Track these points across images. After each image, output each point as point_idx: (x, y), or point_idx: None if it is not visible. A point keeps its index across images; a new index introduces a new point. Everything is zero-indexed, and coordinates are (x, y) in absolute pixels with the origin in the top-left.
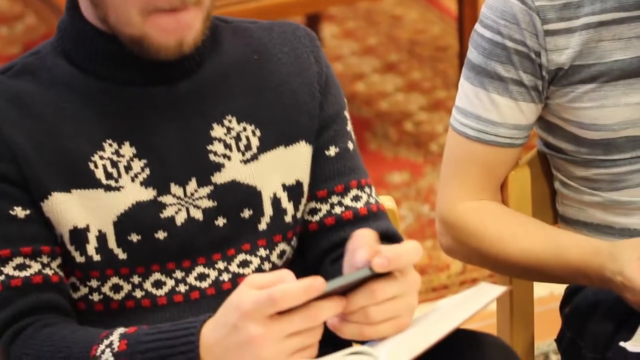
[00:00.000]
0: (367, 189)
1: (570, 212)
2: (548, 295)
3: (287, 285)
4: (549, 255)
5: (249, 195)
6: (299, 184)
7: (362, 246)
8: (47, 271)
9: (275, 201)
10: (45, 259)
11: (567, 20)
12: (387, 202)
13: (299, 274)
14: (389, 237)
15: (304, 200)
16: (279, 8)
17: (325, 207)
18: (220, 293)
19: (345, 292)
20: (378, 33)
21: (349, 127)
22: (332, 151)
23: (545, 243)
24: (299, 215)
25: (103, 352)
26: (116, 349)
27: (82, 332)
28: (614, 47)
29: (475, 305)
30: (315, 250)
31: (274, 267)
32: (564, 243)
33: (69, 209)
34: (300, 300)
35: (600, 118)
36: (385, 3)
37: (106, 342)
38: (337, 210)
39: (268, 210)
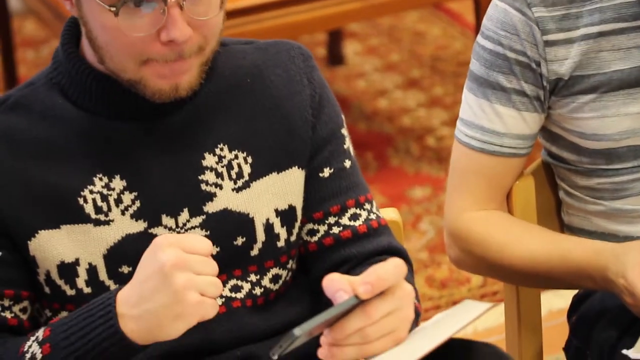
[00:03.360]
0: (366, 206)
1: (575, 221)
2: (557, 309)
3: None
4: (554, 258)
5: (242, 222)
6: (291, 209)
7: (339, 288)
8: (6, 314)
9: (268, 227)
10: (6, 302)
11: (567, 31)
12: (391, 213)
13: (305, 294)
14: (391, 252)
15: (297, 224)
16: (301, 25)
17: (322, 228)
18: (215, 317)
19: (332, 323)
20: (400, 49)
21: (347, 145)
22: (327, 172)
23: (549, 246)
24: (292, 238)
25: (30, 346)
26: (40, 338)
27: (16, 339)
28: (613, 57)
29: (461, 321)
30: (317, 270)
31: (267, 291)
32: (568, 245)
33: (57, 244)
34: (205, 249)
35: (601, 128)
36: (408, 19)
37: (32, 337)
38: (335, 230)
39: (260, 236)
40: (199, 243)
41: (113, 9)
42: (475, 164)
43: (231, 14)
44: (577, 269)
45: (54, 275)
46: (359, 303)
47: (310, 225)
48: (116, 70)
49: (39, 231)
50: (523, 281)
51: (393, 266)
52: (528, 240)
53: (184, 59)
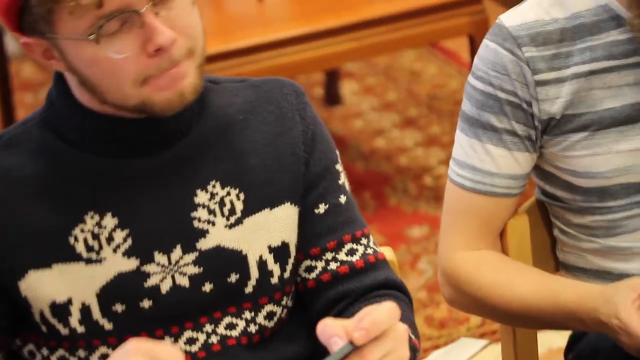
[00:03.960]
0: (363, 240)
1: (570, 258)
2: (556, 347)
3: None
4: (544, 301)
5: (235, 259)
6: (284, 245)
7: (334, 334)
8: None
9: (261, 264)
10: None
11: (557, 70)
12: (387, 253)
13: (303, 331)
14: (389, 286)
15: (291, 261)
16: (298, 65)
17: (320, 264)
18: (210, 355)
19: None
20: (397, 88)
21: (342, 181)
22: (322, 208)
23: (539, 288)
24: (286, 275)
25: None
26: None
27: None
28: (604, 95)
29: (457, 358)
30: (316, 307)
31: (262, 328)
32: (558, 288)
33: (48, 284)
34: None
35: (593, 166)
36: (404, 58)
37: None
38: (333, 266)
39: (254, 273)
40: (172, 357)
41: (92, 37)
42: (468, 204)
43: (228, 55)
44: (567, 312)
45: (47, 314)
46: (354, 349)
47: (307, 262)
48: (119, 102)
49: (29, 271)
50: (515, 322)
51: (387, 309)
52: (518, 282)
53: (178, 64)
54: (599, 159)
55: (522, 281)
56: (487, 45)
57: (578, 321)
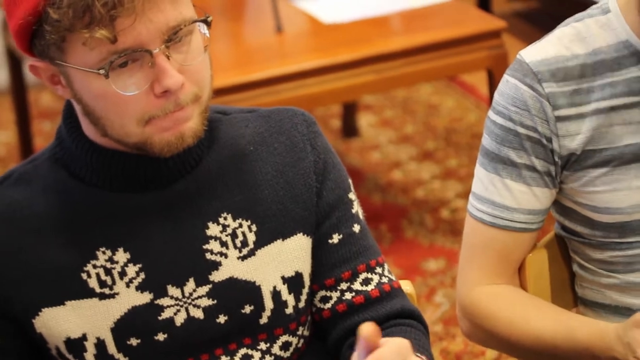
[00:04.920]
0: (378, 269)
1: (588, 294)
2: None
3: None
4: (560, 338)
5: (249, 290)
6: (298, 275)
7: None
8: None
9: (276, 294)
10: None
11: (578, 105)
12: (405, 286)
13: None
14: (405, 315)
15: (305, 291)
16: (316, 97)
17: (335, 295)
18: None
19: None
20: (415, 121)
21: (355, 209)
22: (336, 238)
23: (556, 325)
24: (301, 305)
25: None
26: None
27: None
28: (625, 131)
29: None
30: (332, 336)
31: (277, 359)
32: (574, 325)
33: (62, 321)
34: None
35: (613, 202)
36: (422, 91)
37: None
38: (348, 296)
39: (269, 304)
40: None
41: (102, 71)
42: (486, 238)
43: (246, 86)
44: (583, 349)
45: (63, 350)
46: None
47: (322, 293)
48: (120, 138)
49: (43, 309)
50: (530, 357)
51: (397, 347)
52: (534, 318)
53: (182, 107)
54: (619, 194)
55: (538, 317)
56: (508, 81)
57: (593, 358)
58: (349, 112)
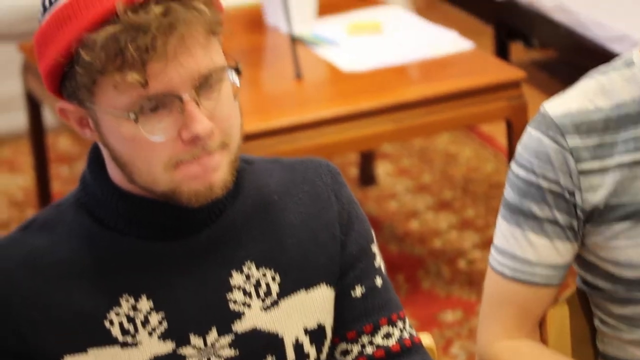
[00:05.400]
0: (399, 324)
1: (610, 350)
2: None
3: None
4: None
5: (271, 341)
6: (320, 327)
7: None
8: None
9: (298, 346)
10: None
11: (601, 159)
12: (425, 339)
13: None
14: None
15: (327, 342)
16: (335, 146)
17: (356, 348)
18: None
19: None
20: (432, 171)
21: (377, 262)
22: (358, 291)
23: None
24: (322, 357)
25: None
26: None
27: None
28: None
29: None
30: None
31: None
32: None
33: None
34: None
35: (636, 256)
36: (440, 141)
37: None
38: (369, 350)
39: (290, 355)
40: None
41: (132, 116)
42: (507, 292)
43: (265, 134)
44: None
45: None
46: None
47: (343, 345)
48: (148, 185)
49: (65, 356)
50: None
51: None
52: None
53: (210, 153)
54: None
55: None
56: (531, 134)
57: None
58: (367, 160)
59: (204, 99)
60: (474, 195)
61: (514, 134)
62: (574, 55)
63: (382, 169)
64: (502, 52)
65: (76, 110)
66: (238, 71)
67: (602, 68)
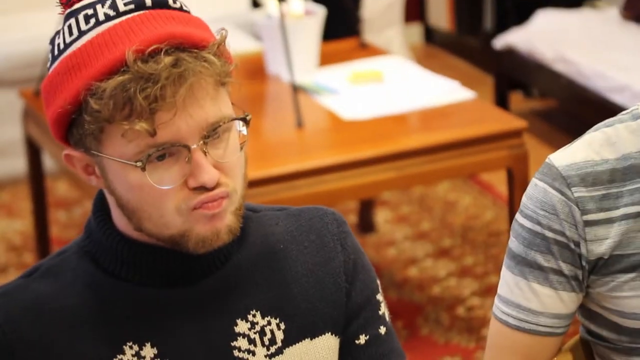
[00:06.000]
0: None
1: None
2: None
3: None
4: None
5: None
6: None
7: None
8: None
9: None
10: None
11: (607, 210)
12: None
13: None
14: None
15: None
16: (335, 193)
17: None
18: None
19: None
20: (431, 218)
21: (382, 311)
22: (362, 339)
23: None
24: None
25: None
26: None
27: None
28: None
29: None
30: None
31: None
32: None
33: None
34: None
35: None
36: (439, 188)
37: None
38: None
39: None
40: None
41: (139, 164)
42: (511, 342)
43: (266, 181)
44: None
45: None
46: None
47: None
48: (158, 229)
49: None
50: None
51: None
52: None
53: (216, 200)
54: None
55: None
56: (536, 185)
57: None
58: (366, 207)
59: (211, 148)
60: (473, 242)
61: (515, 182)
62: (574, 105)
63: (382, 216)
64: (502, 101)
65: (82, 157)
66: (247, 122)
67: (609, 120)
